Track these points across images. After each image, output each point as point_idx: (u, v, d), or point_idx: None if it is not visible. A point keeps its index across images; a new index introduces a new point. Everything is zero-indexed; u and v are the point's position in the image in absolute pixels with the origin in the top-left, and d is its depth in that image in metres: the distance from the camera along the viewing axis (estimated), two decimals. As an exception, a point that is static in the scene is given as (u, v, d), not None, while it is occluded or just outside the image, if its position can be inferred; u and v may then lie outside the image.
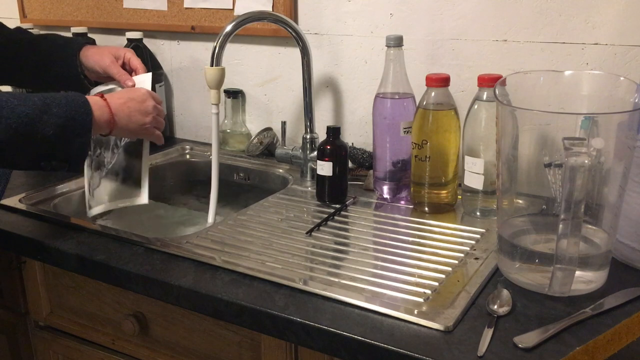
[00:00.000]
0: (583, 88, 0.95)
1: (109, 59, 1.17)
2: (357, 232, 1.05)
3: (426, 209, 1.12)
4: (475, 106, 1.06)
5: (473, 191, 1.08)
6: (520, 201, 0.92)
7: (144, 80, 1.15)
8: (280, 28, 1.26)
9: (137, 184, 1.12)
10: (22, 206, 1.17)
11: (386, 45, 1.13)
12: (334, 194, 1.17)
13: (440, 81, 1.07)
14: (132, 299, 1.02)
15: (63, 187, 1.27)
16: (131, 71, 1.18)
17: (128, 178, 1.14)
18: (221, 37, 1.14)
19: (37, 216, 1.13)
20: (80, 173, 1.05)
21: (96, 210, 1.15)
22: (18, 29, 1.28)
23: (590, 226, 0.86)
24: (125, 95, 1.07)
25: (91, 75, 1.20)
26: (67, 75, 1.19)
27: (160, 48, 1.59)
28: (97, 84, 1.21)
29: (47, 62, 1.19)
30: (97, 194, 1.16)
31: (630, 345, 0.78)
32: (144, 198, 1.12)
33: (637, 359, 0.81)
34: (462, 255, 0.95)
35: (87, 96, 1.01)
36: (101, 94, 1.04)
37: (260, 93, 1.49)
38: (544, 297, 0.84)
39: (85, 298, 1.08)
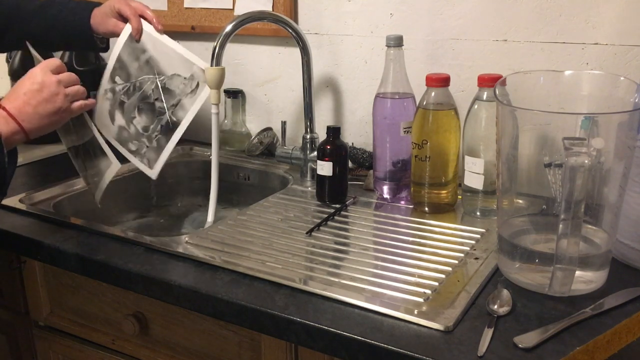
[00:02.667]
0: (583, 88, 0.95)
1: (112, 22, 1.18)
2: (357, 232, 1.05)
3: (426, 209, 1.12)
4: (475, 106, 1.06)
5: (473, 191, 1.08)
6: (520, 201, 0.92)
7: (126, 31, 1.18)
8: (280, 28, 1.26)
9: (104, 154, 1.12)
10: (22, 206, 1.17)
11: (386, 45, 1.13)
12: (334, 194, 1.17)
13: (440, 81, 1.07)
14: (132, 299, 1.02)
15: (63, 187, 1.27)
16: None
17: (97, 151, 1.13)
18: (221, 37, 1.14)
19: (37, 216, 1.13)
20: (3, 197, 0.96)
21: (99, 195, 1.16)
22: None
23: (590, 226, 0.86)
24: (20, 90, 0.95)
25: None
26: (80, 42, 1.22)
27: (160, 48, 1.59)
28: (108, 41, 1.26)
29: (58, 29, 1.20)
30: (92, 179, 1.16)
31: (630, 345, 0.78)
32: (115, 164, 1.12)
33: (637, 359, 0.81)
34: (462, 255, 0.95)
35: None
36: None
37: (260, 93, 1.49)
38: (544, 297, 0.84)
39: (85, 298, 1.08)
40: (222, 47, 1.14)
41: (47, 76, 0.96)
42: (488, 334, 0.75)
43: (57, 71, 0.98)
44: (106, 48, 1.27)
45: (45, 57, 1.03)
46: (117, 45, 1.20)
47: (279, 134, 1.40)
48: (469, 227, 1.05)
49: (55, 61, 1.00)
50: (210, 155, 1.17)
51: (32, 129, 0.95)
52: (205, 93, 1.14)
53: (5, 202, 1.17)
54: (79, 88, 1.02)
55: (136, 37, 1.19)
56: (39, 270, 1.12)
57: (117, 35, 1.21)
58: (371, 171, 1.23)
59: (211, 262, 0.94)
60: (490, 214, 1.07)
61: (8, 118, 0.93)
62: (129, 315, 1.01)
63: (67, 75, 1.00)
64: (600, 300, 0.82)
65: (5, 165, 0.91)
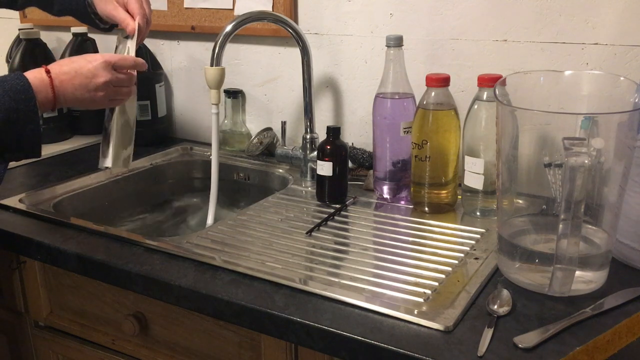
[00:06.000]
0: (583, 88, 0.95)
1: (112, 5, 1.12)
2: (357, 232, 1.05)
3: (426, 209, 1.12)
4: (475, 106, 1.06)
5: (473, 191, 1.08)
6: (520, 201, 0.92)
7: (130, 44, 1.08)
8: (280, 28, 1.26)
9: (107, 146, 1.10)
10: (22, 206, 1.17)
11: (386, 45, 1.13)
12: (334, 194, 1.17)
13: (440, 81, 1.07)
14: (132, 299, 1.02)
15: (63, 187, 1.27)
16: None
17: (105, 137, 1.11)
18: (221, 37, 1.14)
19: (37, 216, 1.13)
20: (39, 157, 0.98)
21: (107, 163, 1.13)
22: None
23: (590, 226, 0.86)
24: (75, 67, 0.98)
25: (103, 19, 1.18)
26: (77, 14, 1.19)
27: (160, 48, 1.59)
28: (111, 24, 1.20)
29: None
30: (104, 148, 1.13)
31: (630, 345, 0.78)
32: (108, 161, 1.10)
33: (637, 359, 0.81)
34: (462, 255, 0.95)
35: (29, 72, 0.95)
36: (47, 68, 0.97)
37: (260, 93, 1.49)
38: (544, 297, 0.84)
39: (85, 298, 1.08)
40: (222, 47, 1.14)
41: (104, 70, 0.99)
42: (488, 334, 0.75)
43: (119, 68, 1.01)
44: (109, 29, 1.23)
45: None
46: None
47: (279, 134, 1.40)
48: (468, 227, 1.05)
49: (123, 60, 1.02)
50: (210, 155, 1.17)
51: (61, 103, 0.99)
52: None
53: (5, 202, 1.17)
54: (125, 91, 1.04)
55: (131, 34, 1.11)
56: (38, 270, 1.12)
57: (114, 20, 1.14)
58: (371, 171, 1.23)
59: (211, 262, 0.94)
60: (490, 214, 1.07)
61: (49, 87, 0.96)
62: (129, 315, 1.01)
63: (124, 77, 1.02)
64: (600, 300, 0.82)
65: (40, 129, 0.94)
